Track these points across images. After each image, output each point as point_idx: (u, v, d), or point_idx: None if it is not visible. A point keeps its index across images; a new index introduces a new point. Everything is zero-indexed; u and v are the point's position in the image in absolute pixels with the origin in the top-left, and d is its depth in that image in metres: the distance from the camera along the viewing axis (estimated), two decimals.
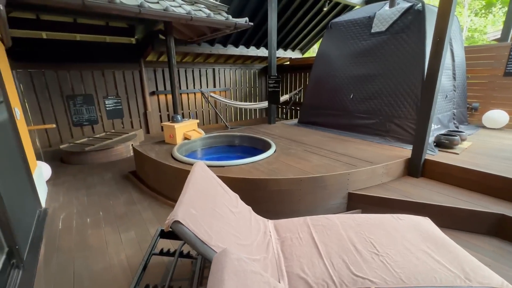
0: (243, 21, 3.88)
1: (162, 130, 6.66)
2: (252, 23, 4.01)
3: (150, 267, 1.69)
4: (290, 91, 7.40)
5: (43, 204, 2.80)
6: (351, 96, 4.13)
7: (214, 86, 7.35)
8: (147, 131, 6.40)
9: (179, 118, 3.64)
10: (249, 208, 1.89)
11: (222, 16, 3.80)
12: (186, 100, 6.86)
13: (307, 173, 2.49)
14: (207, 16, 3.51)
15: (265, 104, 6.66)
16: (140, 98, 6.16)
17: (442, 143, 3.21)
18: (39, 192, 2.74)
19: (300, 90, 6.60)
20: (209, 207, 1.48)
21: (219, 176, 1.90)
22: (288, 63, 7.82)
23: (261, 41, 6.64)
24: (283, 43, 7.21)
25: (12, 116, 2.44)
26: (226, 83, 7.57)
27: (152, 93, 6.30)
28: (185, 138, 3.65)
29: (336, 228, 1.64)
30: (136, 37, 5.75)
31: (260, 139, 3.69)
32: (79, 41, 5.28)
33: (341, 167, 2.63)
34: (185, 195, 1.39)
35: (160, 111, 6.55)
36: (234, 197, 1.83)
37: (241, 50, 6.41)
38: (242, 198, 1.87)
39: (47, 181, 3.44)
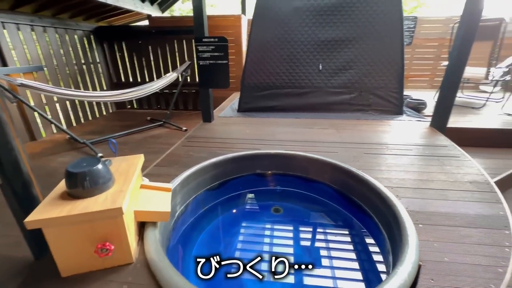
0: None
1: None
2: None
3: None
4: (167, 69, 5.04)
5: None
6: (320, 68, 3.25)
7: (4, 64, 3.37)
8: None
9: (105, 173, 1.01)
10: None
11: None
12: None
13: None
14: None
15: (167, 79, 4.09)
16: None
17: (417, 108, 3.33)
18: None
19: (189, 65, 4.57)
20: None
21: None
22: (147, 23, 5.16)
23: None
24: None
25: None
26: (32, 56, 3.72)
27: None
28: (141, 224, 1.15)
29: None
30: None
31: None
32: None
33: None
34: None
35: None
36: None
37: None
38: None
39: None
